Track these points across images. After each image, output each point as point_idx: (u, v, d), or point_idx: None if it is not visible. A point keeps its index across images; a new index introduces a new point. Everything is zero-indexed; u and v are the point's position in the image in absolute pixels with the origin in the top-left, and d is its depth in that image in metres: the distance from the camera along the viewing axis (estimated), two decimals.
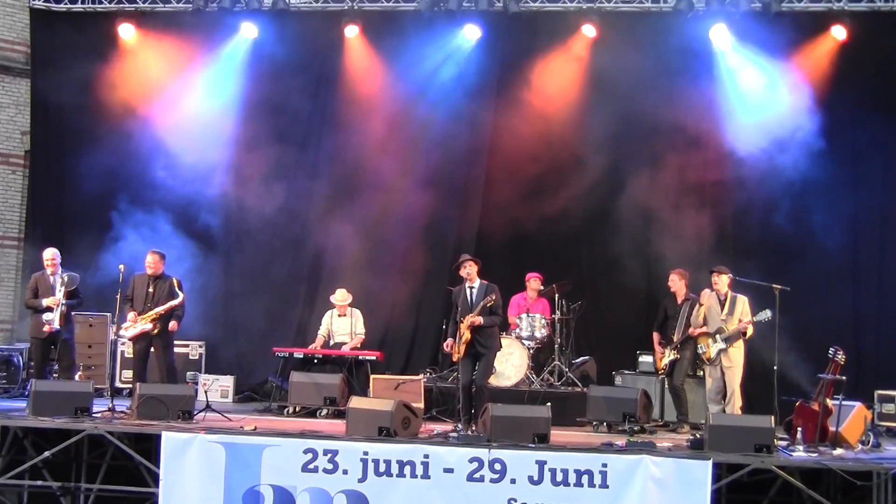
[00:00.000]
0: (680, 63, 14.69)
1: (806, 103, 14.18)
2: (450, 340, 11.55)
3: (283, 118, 15.56)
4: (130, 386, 12.74)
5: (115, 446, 10.39)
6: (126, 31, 15.69)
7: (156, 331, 12.21)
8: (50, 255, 12.42)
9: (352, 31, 15.53)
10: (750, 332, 12.00)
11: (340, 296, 13.95)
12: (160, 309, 12.23)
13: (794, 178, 14.08)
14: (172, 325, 12.35)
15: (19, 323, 15.89)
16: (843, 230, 14.36)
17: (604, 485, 9.50)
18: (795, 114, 14.11)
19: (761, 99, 14.56)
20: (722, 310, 12.07)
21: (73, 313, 12.54)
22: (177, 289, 12.35)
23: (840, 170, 14.34)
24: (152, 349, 12.35)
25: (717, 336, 12.02)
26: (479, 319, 11.23)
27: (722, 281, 12.13)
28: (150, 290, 12.32)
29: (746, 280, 12.29)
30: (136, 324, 12.18)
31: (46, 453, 10.34)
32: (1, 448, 10.30)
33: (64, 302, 12.11)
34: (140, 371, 12.35)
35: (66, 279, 12.17)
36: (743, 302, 12.09)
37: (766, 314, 11.68)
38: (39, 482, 10.83)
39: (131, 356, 13.78)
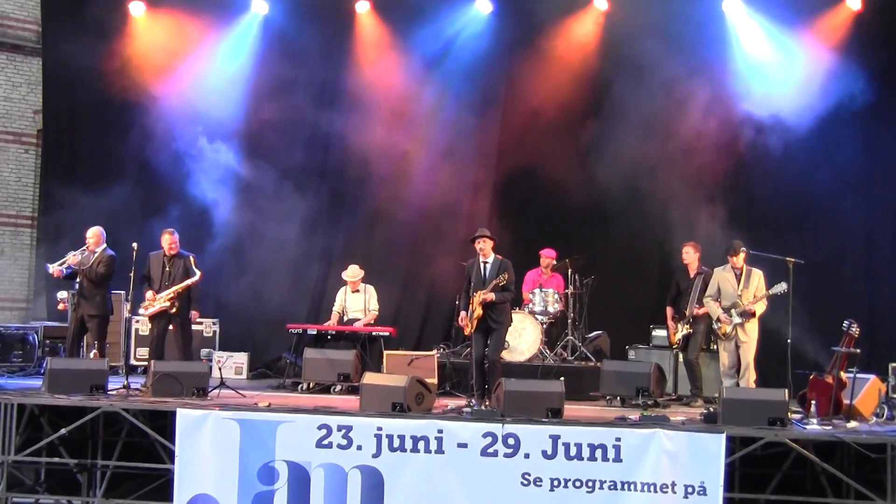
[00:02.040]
0: (692, 34, 14.54)
1: (820, 74, 14.11)
2: (462, 314, 11.59)
3: (295, 94, 15.48)
4: (145, 363, 12.80)
5: (131, 423, 10.40)
6: (136, 9, 15.70)
7: (174, 309, 12.32)
8: (88, 233, 12.48)
9: (362, 7, 15.57)
10: (761, 310, 11.96)
11: (352, 272, 13.95)
12: (178, 287, 12.33)
13: (807, 151, 14.03)
14: (194, 314, 12.58)
15: (34, 302, 15.98)
16: (856, 202, 14.36)
17: (617, 458, 9.49)
18: (809, 85, 14.03)
19: (775, 70, 14.51)
20: (738, 284, 12.02)
21: (109, 294, 12.58)
22: (193, 266, 12.45)
23: (855, 142, 14.27)
24: (171, 327, 12.47)
25: (733, 311, 11.97)
26: (491, 296, 11.25)
27: (739, 257, 12.07)
28: (167, 268, 12.42)
29: (760, 253, 12.23)
30: (155, 303, 12.28)
31: (63, 430, 10.37)
32: (18, 426, 10.31)
33: (63, 271, 12.23)
34: (159, 349, 12.44)
35: (72, 256, 12.26)
36: (759, 276, 12.02)
37: (781, 287, 11.61)
38: (56, 459, 10.87)
39: (146, 334, 13.83)
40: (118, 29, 15.64)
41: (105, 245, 12.47)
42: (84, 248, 12.35)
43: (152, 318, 12.48)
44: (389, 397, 10.17)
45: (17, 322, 15.33)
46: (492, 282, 11.32)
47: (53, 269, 12.29)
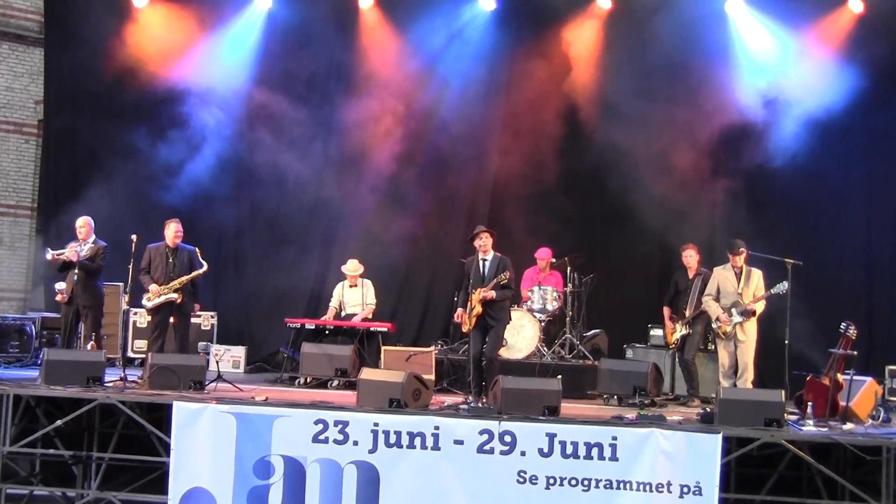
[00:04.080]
0: (694, 33, 14.47)
1: (821, 75, 14.06)
2: (460, 310, 11.58)
3: (297, 89, 15.47)
4: (142, 356, 12.79)
5: (127, 416, 10.39)
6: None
7: (179, 300, 12.28)
8: (78, 223, 12.48)
9: (366, 2, 15.53)
10: (761, 309, 11.97)
11: (352, 266, 13.94)
12: (186, 278, 12.32)
13: (807, 151, 14.03)
14: (195, 306, 12.64)
15: (32, 292, 15.97)
16: (855, 204, 14.40)
17: (613, 457, 9.49)
18: (811, 86, 13.99)
19: (776, 70, 14.48)
20: (738, 283, 12.02)
21: (101, 284, 12.59)
22: (199, 258, 12.43)
23: (854, 142, 14.31)
24: (171, 319, 12.42)
25: (733, 310, 11.97)
26: (491, 294, 11.25)
27: (740, 257, 12.07)
28: (171, 259, 12.37)
29: (759, 254, 12.23)
30: (160, 294, 12.23)
31: (59, 422, 10.36)
32: (13, 416, 10.30)
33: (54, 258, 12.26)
34: (161, 340, 12.40)
35: (70, 249, 12.25)
36: (758, 275, 12.04)
37: (782, 286, 11.61)
38: (52, 451, 10.88)
39: (144, 326, 13.82)
40: (121, 19, 15.55)
41: (94, 235, 12.46)
42: (78, 240, 12.35)
43: (154, 310, 12.41)
44: (386, 393, 10.16)
45: (15, 312, 15.34)
46: (491, 279, 11.31)
47: (52, 254, 12.28)
